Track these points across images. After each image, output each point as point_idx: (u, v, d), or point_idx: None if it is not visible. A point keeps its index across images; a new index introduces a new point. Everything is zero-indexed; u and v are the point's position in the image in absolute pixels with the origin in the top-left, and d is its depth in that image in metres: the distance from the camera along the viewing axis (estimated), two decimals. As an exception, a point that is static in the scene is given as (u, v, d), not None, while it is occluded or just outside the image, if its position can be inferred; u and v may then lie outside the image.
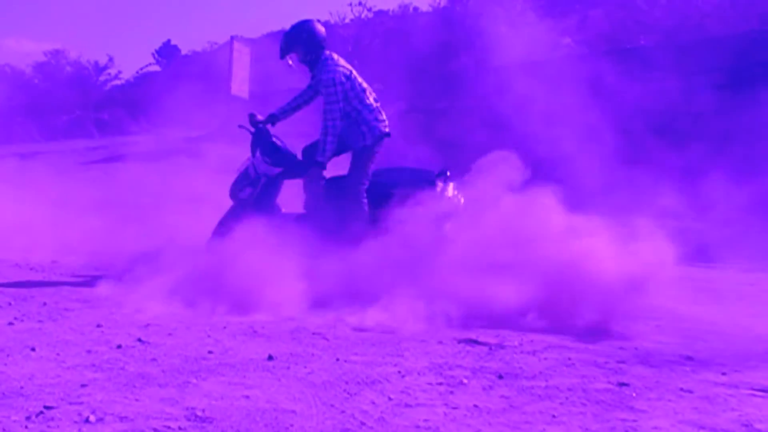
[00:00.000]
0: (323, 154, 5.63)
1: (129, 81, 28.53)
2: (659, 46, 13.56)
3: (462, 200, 5.67)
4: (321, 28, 5.88)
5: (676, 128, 11.48)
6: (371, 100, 5.75)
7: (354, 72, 5.80)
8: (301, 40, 5.77)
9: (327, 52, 5.78)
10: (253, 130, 5.89)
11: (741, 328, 4.46)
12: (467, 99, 13.46)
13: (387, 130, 5.78)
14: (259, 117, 5.92)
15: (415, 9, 23.12)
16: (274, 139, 5.86)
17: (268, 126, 5.92)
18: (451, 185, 5.73)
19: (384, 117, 5.79)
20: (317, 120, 5.69)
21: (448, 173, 5.76)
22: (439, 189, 5.64)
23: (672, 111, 11.77)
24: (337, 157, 5.80)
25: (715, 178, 7.90)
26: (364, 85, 5.78)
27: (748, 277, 6.70)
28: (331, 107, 5.59)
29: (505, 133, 10.80)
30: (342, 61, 5.82)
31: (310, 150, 5.88)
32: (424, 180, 5.71)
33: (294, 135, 6.23)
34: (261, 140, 5.83)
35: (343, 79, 5.64)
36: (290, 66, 5.93)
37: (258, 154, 5.81)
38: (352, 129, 5.67)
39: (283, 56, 5.87)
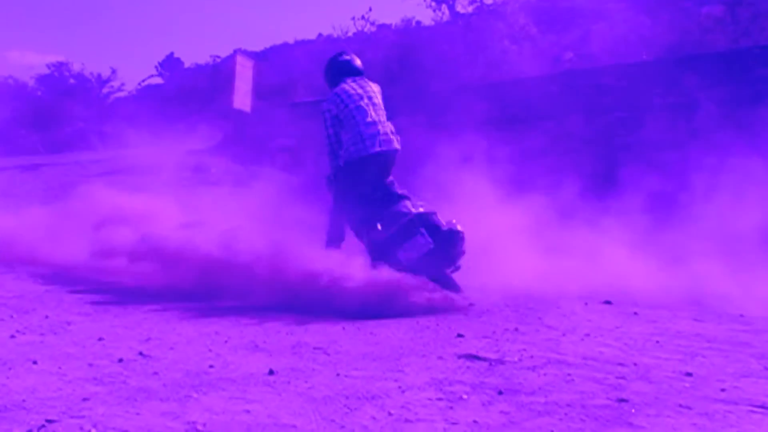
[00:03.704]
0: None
1: (132, 93, 28.70)
2: (660, 60, 13.59)
3: None
4: (342, 60, 6.17)
5: (676, 141, 11.49)
6: (370, 118, 5.81)
7: (356, 93, 5.88)
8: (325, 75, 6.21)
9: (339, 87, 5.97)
10: None
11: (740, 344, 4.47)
12: (470, 113, 13.49)
13: (378, 149, 5.79)
14: None
15: (418, 23, 23.22)
16: None
17: None
18: None
19: (381, 133, 5.82)
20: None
21: None
22: None
23: (673, 127, 11.80)
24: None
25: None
26: (363, 104, 5.84)
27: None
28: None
29: (508, 146, 10.84)
30: (348, 86, 5.93)
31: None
32: None
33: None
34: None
35: (332, 107, 5.87)
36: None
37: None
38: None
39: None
